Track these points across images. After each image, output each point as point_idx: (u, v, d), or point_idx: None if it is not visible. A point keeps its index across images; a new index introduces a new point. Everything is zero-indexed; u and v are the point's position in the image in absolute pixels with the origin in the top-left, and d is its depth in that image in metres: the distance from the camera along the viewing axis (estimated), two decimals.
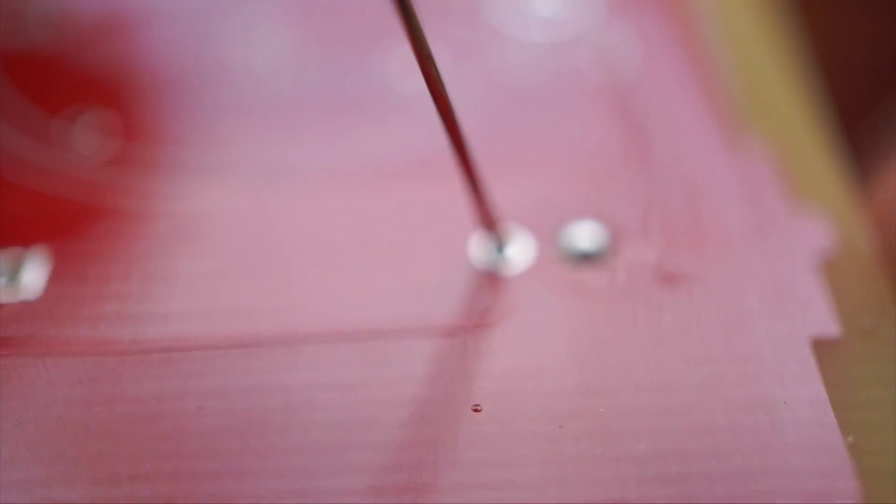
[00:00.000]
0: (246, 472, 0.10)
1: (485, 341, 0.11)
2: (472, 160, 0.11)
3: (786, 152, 0.13)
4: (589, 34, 0.15)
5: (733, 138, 0.13)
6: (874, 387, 0.11)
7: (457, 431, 0.11)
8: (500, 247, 0.12)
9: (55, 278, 0.12)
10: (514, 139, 0.14)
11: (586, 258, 0.12)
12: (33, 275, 0.12)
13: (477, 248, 0.12)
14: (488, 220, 0.12)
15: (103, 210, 0.13)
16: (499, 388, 0.11)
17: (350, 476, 0.10)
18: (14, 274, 0.12)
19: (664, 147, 0.13)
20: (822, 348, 0.11)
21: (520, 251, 0.12)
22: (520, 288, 0.12)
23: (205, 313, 0.12)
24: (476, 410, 0.11)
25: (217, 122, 0.14)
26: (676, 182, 0.13)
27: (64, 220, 0.13)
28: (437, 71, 0.10)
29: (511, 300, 0.12)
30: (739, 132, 0.13)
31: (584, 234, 0.12)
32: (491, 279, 0.12)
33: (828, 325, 0.11)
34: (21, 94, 0.14)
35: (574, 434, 0.11)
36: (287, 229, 0.13)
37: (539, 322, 0.11)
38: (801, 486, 0.10)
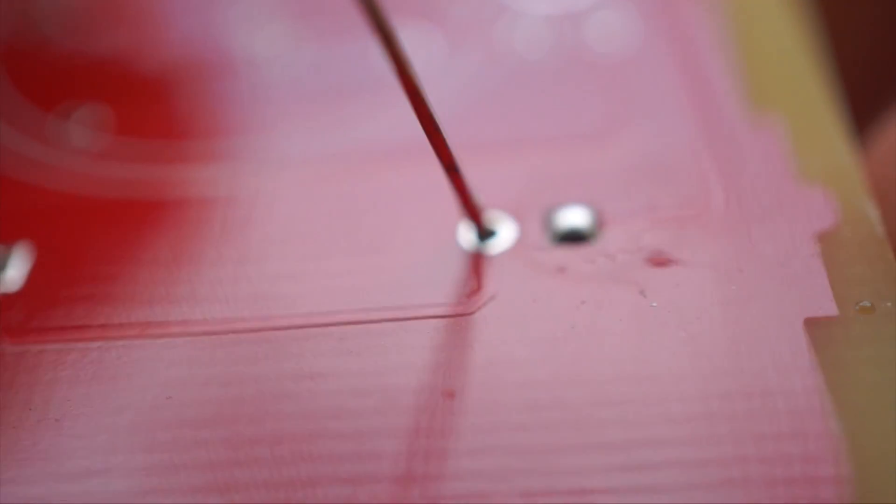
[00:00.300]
0: (216, 463, 0.10)
1: (464, 329, 0.11)
2: (454, 160, 0.11)
3: (787, 129, 0.12)
4: (591, 9, 0.15)
5: (731, 118, 0.13)
6: (871, 368, 0.10)
7: (429, 421, 0.10)
8: (482, 235, 0.12)
9: (38, 270, 0.12)
10: (504, 118, 0.13)
11: (572, 242, 0.12)
12: (17, 267, 0.12)
13: (462, 234, 0.12)
14: (470, 211, 0.11)
15: (90, 202, 0.13)
16: (475, 378, 0.11)
17: (320, 466, 0.10)
18: None
19: (657, 127, 0.13)
20: (817, 329, 0.11)
21: (503, 237, 0.12)
22: (502, 274, 0.11)
23: (179, 300, 0.11)
24: (449, 397, 0.10)
25: (210, 111, 0.14)
26: (668, 163, 0.12)
27: (51, 213, 0.13)
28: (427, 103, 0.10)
29: (493, 286, 0.11)
30: (739, 111, 0.13)
31: (571, 218, 0.12)
32: (474, 266, 0.11)
33: (824, 304, 0.11)
34: (16, 88, 0.14)
35: (546, 424, 0.10)
36: (270, 216, 0.12)
37: (521, 309, 0.11)
38: (790, 473, 0.10)
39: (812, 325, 0.11)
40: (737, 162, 0.12)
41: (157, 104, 0.14)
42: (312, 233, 0.12)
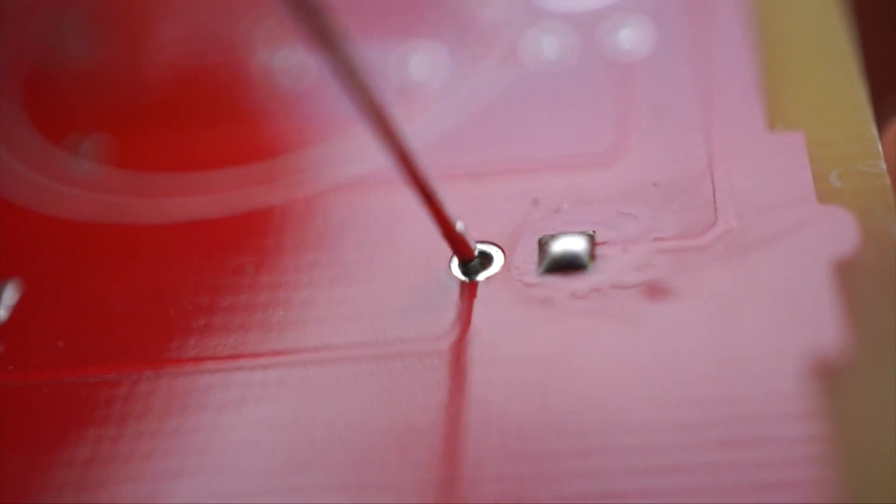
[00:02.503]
0: None
1: (440, 366, 0.10)
2: (428, 188, 0.10)
3: (809, 145, 0.11)
4: (602, 20, 0.14)
5: (747, 133, 0.12)
6: (887, 416, 0.09)
7: (398, 463, 0.10)
8: (467, 264, 0.11)
9: (24, 305, 0.12)
10: (500, 139, 0.12)
11: (564, 272, 0.11)
12: (4, 302, 0.12)
13: (453, 264, 0.11)
14: (452, 240, 0.11)
15: (83, 235, 0.13)
16: (447, 419, 0.10)
17: None
18: None
19: (665, 144, 0.12)
20: (826, 369, 0.09)
21: (491, 266, 0.11)
22: (486, 306, 0.11)
23: (152, 336, 0.11)
24: (419, 440, 0.10)
25: (213, 142, 0.14)
26: (674, 184, 0.11)
27: (45, 246, 0.12)
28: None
29: (476, 320, 0.10)
30: (757, 126, 0.12)
31: (564, 246, 0.11)
32: (458, 298, 0.11)
33: (836, 340, 0.10)
34: (28, 118, 0.14)
35: (517, 476, 0.09)
36: (255, 245, 0.12)
37: (502, 346, 0.10)
38: None
39: (822, 365, 0.09)
40: (750, 182, 0.11)
41: (162, 133, 0.14)
42: (295, 262, 0.11)
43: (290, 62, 0.14)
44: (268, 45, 0.15)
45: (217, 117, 0.14)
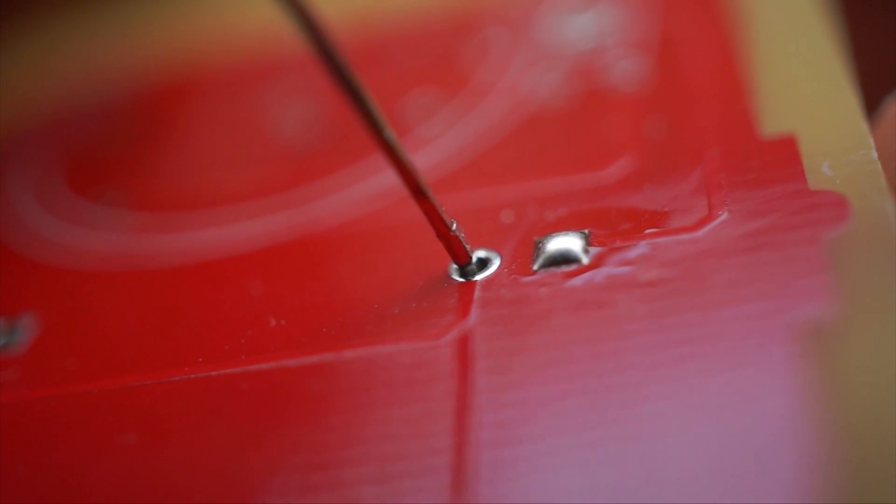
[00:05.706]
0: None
1: (433, 365, 0.10)
2: (420, 184, 0.10)
3: (801, 134, 0.11)
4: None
5: (741, 124, 0.12)
6: (880, 381, 0.09)
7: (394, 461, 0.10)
8: (461, 263, 0.11)
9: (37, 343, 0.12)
10: (493, 153, 0.13)
11: (558, 266, 0.11)
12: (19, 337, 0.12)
13: (446, 271, 0.11)
14: (445, 239, 0.11)
15: (100, 280, 0.13)
16: (439, 414, 0.10)
17: None
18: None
19: (659, 142, 0.12)
20: (824, 343, 0.09)
21: (483, 264, 0.11)
22: (481, 304, 0.11)
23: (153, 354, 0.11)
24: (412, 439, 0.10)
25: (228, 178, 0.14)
26: (667, 179, 0.11)
27: (59, 289, 0.13)
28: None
29: (470, 318, 0.11)
30: (750, 117, 0.12)
31: (558, 242, 0.11)
32: (452, 297, 0.11)
33: (833, 316, 0.09)
34: (61, 175, 0.15)
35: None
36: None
37: (496, 343, 0.10)
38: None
39: (817, 342, 0.09)
40: (742, 177, 0.11)
41: (176, 179, 0.14)
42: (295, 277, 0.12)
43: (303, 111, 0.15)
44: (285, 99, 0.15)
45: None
